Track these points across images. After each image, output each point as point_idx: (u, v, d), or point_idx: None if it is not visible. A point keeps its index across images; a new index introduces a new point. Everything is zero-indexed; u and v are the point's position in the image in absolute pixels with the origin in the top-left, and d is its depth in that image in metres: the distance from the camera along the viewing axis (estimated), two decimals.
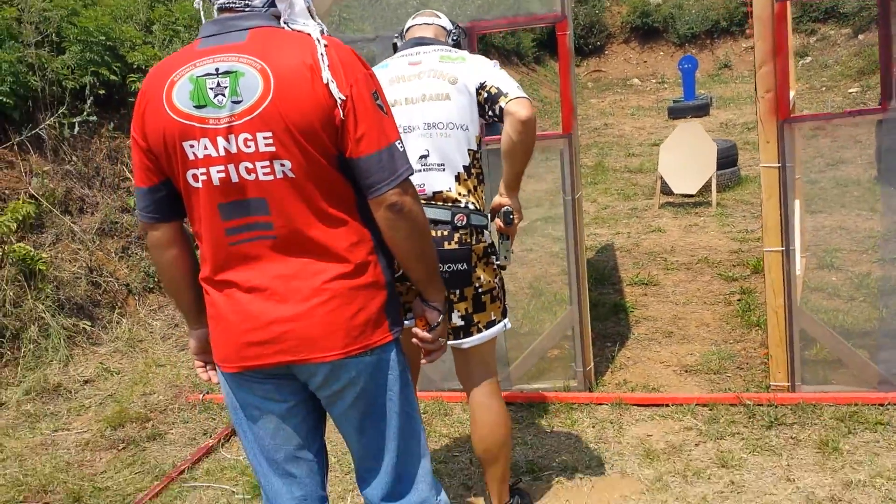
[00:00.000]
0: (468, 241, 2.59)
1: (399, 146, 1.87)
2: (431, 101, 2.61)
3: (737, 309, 4.86)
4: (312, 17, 1.93)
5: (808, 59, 16.96)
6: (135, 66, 6.63)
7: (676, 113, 13.23)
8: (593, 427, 3.62)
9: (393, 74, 2.66)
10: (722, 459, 3.21)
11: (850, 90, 13.75)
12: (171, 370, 4.77)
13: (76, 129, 6.10)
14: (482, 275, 2.66)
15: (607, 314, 5.01)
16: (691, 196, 7.80)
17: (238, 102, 1.79)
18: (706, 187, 7.65)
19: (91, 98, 6.17)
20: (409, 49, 2.74)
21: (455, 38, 2.85)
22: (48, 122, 5.87)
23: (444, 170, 2.60)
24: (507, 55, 17.38)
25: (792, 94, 4.37)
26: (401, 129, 2.01)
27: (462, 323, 2.66)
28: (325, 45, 1.83)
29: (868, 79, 13.60)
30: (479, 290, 2.66)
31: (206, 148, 1.82)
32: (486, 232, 2.67)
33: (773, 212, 3.60)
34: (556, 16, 3.73)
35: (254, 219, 1.85)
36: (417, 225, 1.91)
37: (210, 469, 3.63)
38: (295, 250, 1.87)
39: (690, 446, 3.36)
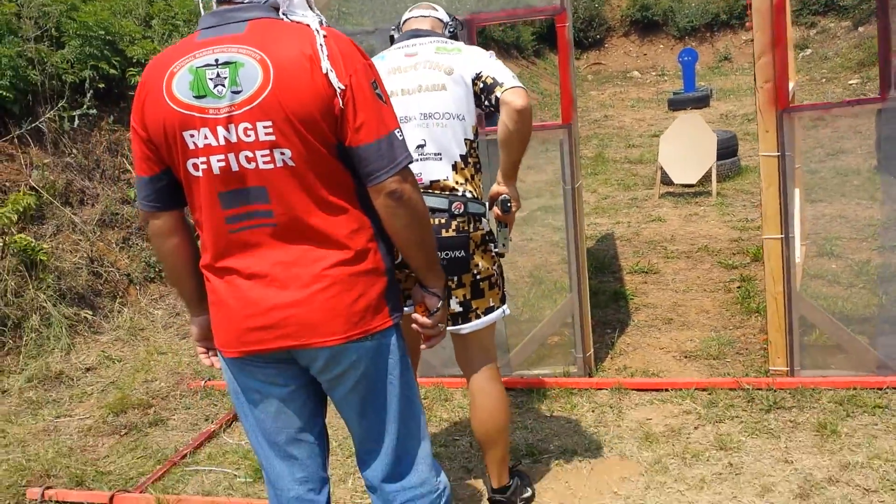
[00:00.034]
0: (466, 228, 2.61)
1: (398, 135, 1.88)
2: (427, 91, 2.63)
3: (736, 296, 4.87)
4: (311, 8, 1.94)
5: (809, 51, 16.94)
6: (134, 61, 6.66)
7: (676, 105, 13.23)
8: (593, 411, 3.63)
9: (389, 66, 2.68)
10: (720, 442, 3.23)
11: (851, 81, 13.75)
12: (172, 358, 4.79)
13: (76, 122, 6.13)
14: (480, 262, 2.68)
15: (607, 301, 5.03)
16: (691, 186, 7.81)
17: (238, 92, 1.80)
18: (706, 177, 7.66)
19: (91, 92, 6.20)
20: (406, 41, 2.76)
21: (452, 29, 2.86)
22: (48, 116, 5.89)
23: (440, 159, 2.62)
24: (506, 48, 17.37)
25: (792, 85, 4.38)
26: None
27: (460, 309, 2.68)
28: (325, 36, 1.84)
29: (868, 70, 13.59)
30: (478, 276, 2.68)
31: (206, 137, 1.83)
32: (483, 220, 2.69)
33: (773, 200, 3.62)
34: (555, 8, 3.74)
35: (254, 207, 1.86)
36: (417, 212, 1.93)
37: (212, 453, 3.66)
38: (295, 238, 1.88)
39: (689, 429, 3.38)
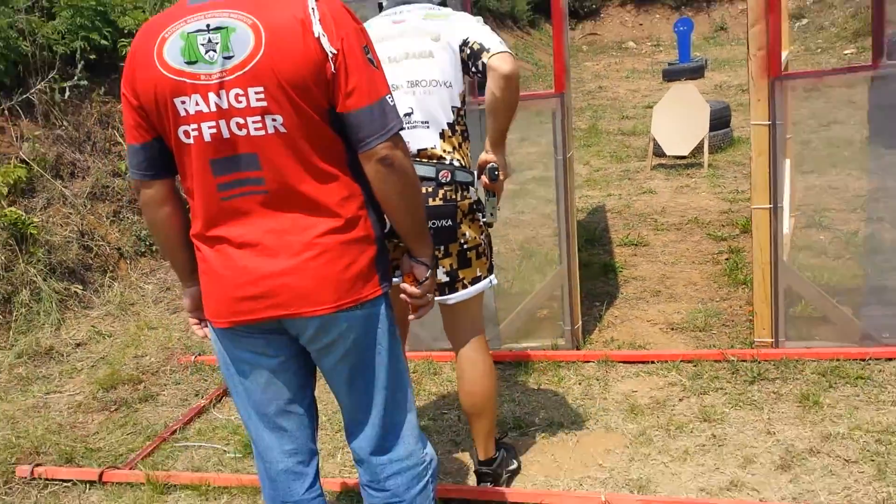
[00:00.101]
0: (453, 197, 2.60)
1: (390, 100, 1.88)
2: (414, 58, 2.61)
3: (724, 268, 4.88)
4: None
5: (805, 20, 16.84)
6: (126, 31, 6.59)
7: (671, 75, 13.15)
8: (580, 384, 3.66)
9: (376, 34, 2.64)
10: (704, 414, 3.26)
11: (846, 52, 13.69)
12: (162, 333, 4.80)
13: (67, 93, 6.09)
14: (467, 231, 2.67)
15: (597, 274, 5.04)
16: (683, 157, 7.79)
17: (229, 58, 1.79)
18: (698, 148, 7.64)
19: (82, 63, 6.16)
20: (394, 7, 2.74)
21: None
22: (39, 87, 5.85)
23: (428, 127, 2.61)
24: (501, 19, 17.25)
25: (785, 54, 4.36)
26: None
27: (447, 279, 2.68)
28: (316, 0, 1.82)
29: (864, 41, 13.52)
30: (465, 246, 2.68)
31: (197, 104, 1.82)
32: (471, 189, 2.67)
33: (762, 169, 3.61)
34: None
35: (245, 174, 1.86)
36: (408, 179, 1.92)
37: (202, 429, 3.68)
38: (286, 205, 1.88)
39: (674, 401, 3.41)
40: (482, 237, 2.74)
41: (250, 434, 2.17)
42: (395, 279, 2.26)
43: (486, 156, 2.70)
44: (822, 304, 3.73)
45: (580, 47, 18.82)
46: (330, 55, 1.78)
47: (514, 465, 3.06)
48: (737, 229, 5.59)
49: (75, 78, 6.10)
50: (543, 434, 3.30)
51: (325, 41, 1.78)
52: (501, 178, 2.71)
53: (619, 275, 5.01)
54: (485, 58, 2.50)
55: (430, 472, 2.18)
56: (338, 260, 1.90)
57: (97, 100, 6.40)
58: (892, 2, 3.73)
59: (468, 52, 2.56)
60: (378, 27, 2.67)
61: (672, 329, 4.18)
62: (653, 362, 3.75)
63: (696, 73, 13.11)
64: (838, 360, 3.52)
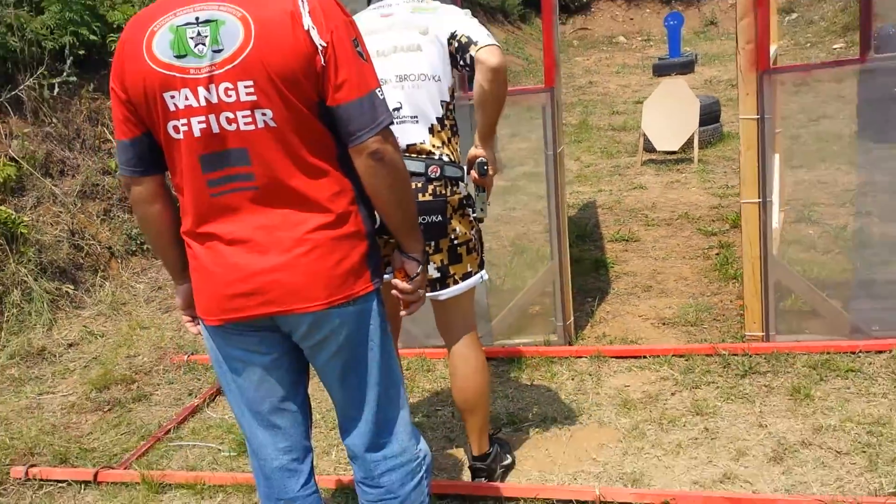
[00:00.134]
0: (443, 192, 2.61)
1: (379, 94, 1.87)
2: (402, 52, 2.61)
3: (715, 263, 4.91)
4: None
5: (795, 15, 16.89)
6: (115, 26, 6.54)
7: (661, 70, 13.17)
8: (572, 379, 3.68)
9: (364, 27, 2.63)
10: (697, 407, 3.28)
11: (835, 46, 13.73)
12: (155, 332, 4.80)
13: (56, 90, 6.05)
14: (458, 226, 2.68)
15: (588, 270, 5.06)
16: (674, 153, 7.82)
17: (219, 51, 1.79)
18: (688, 144, 7.67)
19: (70, 58, 6.11)
20: (382, 1, 2.73)
21: None
22: (27, 84, 5.81)
23: (417, 122, 2.61)
24: (491, 13, 17.24)
25: (774, 48, 4.38)
26: None
27: (438, 275, 2.69)
28: None
29: (853, 35, 13.56)
30: (455, 241, 2.68)
31: (186, 98, 1.81)
32: (461, 184, 2.68)
33: (751, 164, 3.63)
34: None
35: (235, 170, 1.85)
36: (398, 173, 1.92)
37: (196, 428, 3.68)
38: (276, 201, 1.87)
39: (666, 395, 3.43)
40: (472, 233, 2.74)
41: (244, 432, 2.17)
42: (386, 275, 2.27)
43: (476, 150, 2.70)
44: (812, 297, 3.76)
45: (571, 42, 18.83)
46: (319, 48, 1.78)
47: (509, 461, 3.07)
48: (727, 224, 5.62)
49: (64, 74, 6.06)
50: (537, 429, 3.31)
51: (314, 34, 1.78)
52: (491, 173, 2.71)
53: (610, 270, 5.03)
54: (472, 51, 2.50)
55: (424, 468, 2.18)
56: (329, 256, 1.89)
57: (86, 96, 6.36)
58: None
59: (456, 45, 2.56)
60: (366, 20, 2.67)
61: (663, 324, 4.20)
62: (645, 357, 3.77)
63: (687, 67, 13.14)
64: (829, 353, 3.54)
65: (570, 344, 4.03)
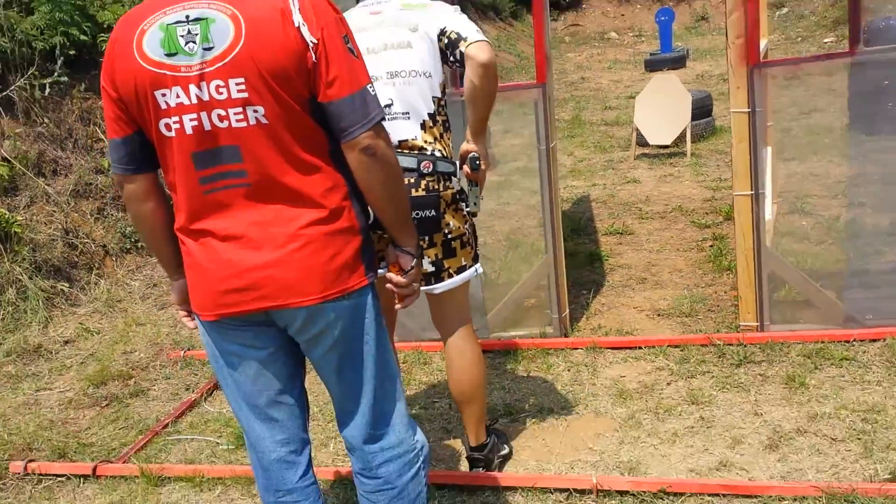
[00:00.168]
0: (435, 187, 2.63)
1: (371, 90, 1.88)
2: (393, 49, 2.62)
3: (709, 254, 4.93)
4: None
5: (785, 9, 16.94)
6: (105, 26, 6.55)
7: (653, 65, 13.18)
8: (568, 370, 3.69)
9: (354, 24, 2.63)
10: (692, 397, 3.30)
11: (826, 40, 13.78)
12: (151, 329, 4.80)
13: (47, 90, 6.05)
14: (451, 221, 2.69)
15: (583, 263, 5.08)
16: (666, 147, 7.84)
17: (209, 49, 1.79)
18: (681, 138, 7.70)
19: (61, 59, 6.11)
20: None
21: None
22: (18, 84, 5.81)
23: (408, 118, 2.62)
24: (483, 10, 17.24)
25: (764, 42, 4.40)
26: None
27: (433, 269, 2.71)
28: None
29: (843, 29, 13.59)
30: (449, 236, 2.70)
31: (178, 96, 1.82)
32: (453, 179, 2.69)
33: (743, 156, 3.66)
34: None
35: (227, 167, 1.86)
36: (391, 168, 1.93)
37: (194, 422, 3.69)
38: (269, 197, 1.88)
39: (662, 385, 3.45)
40: (466, 227, 2.76)
41: (242, 425, 2.18)
42: (380, 270, 2.28)
43: (468, 145, 2.72)
44: (806, 288, 3.78)
45: (563, 38, 18.85)
46: (310, 45, 1.79)
47: (506, 451, 3.09)
48: (720, 216, 5.64)
49: (55, 74, 6.06)
50: (534, 420, 3.33)
51: (305, 30, 1.79)
52: (483, 167, 2.73)
53: (605, 263, 5.05)
54: (462, 47, 2.51)
55: (421, 459, 2.19)
56: (322, 251, 1.90)
57: (78, 96, 6.36)
58: None
59: (446, 41, 2.57)
60: (356, 18, 2.67)
61: (658, 315, 4.22)
62: (640, 348, 3.79)
63: (678, 63, 13.15)
64: (823, 342, 3.57)
65: (565, 336, 4.04)
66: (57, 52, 6.10)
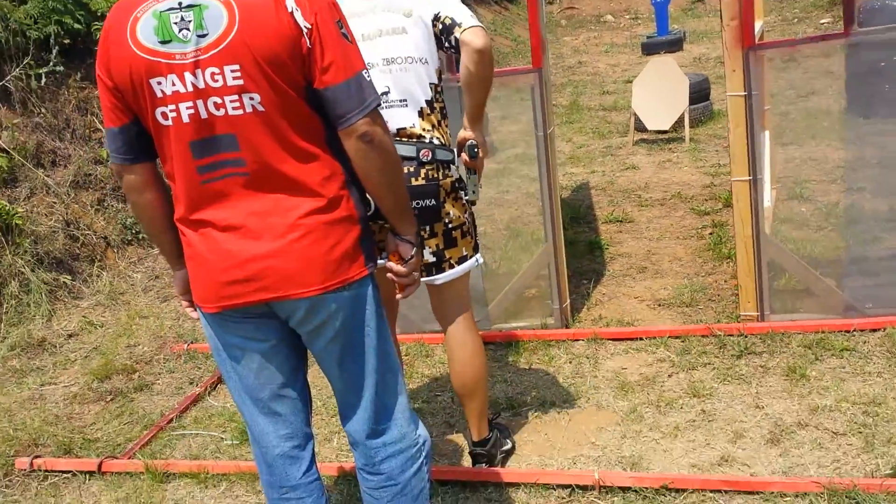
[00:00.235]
0: (435, 176, 2.62)
1: (366, 75, 1.88)
2: (388, 35, 2.61)
3: (709, 242, 4.95)
4: None
5: None
6: (98, 14, 6.48)
7: (650, 49, 13.14)
8: (570, 363, 3.71)
9: (347, 9, 2.58)
10: (694, 389, 3.32)
11: (822, 21, 13.73)
12: (154, 321, 4.81)
13: (43, 80, 6.02)
14: (451, 210, 2.69)
15: (583, 252, 5.09)
16: (665, 132, 7.83)
17: (203, 36, 1.79)
18: (679, 122, 7.68)
19: (56, 48, 6.07)
20: None
21: None
22: (14, 74, 5.78)
23: (406, 106, 2.61)
24: None
25: (760, 24, 4.38)
26: None
27: (434, 259, 2.71)
28: None
29: (839, 9, 13.51)
30: (450, 225, 2.70)
31: (173, 84, 1.81)
32: (452, 167, 2.69)
33: (740, 141, 3.64)
34: None
35: (224, 155, 1.86)
36: (388, 155, 1.93)
37: (198, 417, 3.71)
38: (267, 186, 1.88)
39: (663, 377, 3.47)
40: (466, 216, 2.76)
41: (245, 419, 2.19)
42: (380, 261, 2.28)
43: (465, 133, 2.71)
44: (806, 276, 3.78)
45: (559, 22, 18.74)
46: (304, 30, 1.78)
47: (509, 445, 3.11)
48: (719, 203, 5.65)
49: (51, 64, 6.03)
50: (536, 413, 3.35)
51: (298, 15, 1.78)
52: (481, 155, 2.73)
53: (605, 252, 5.06)
54: (457, 33, 2.50)
55: (423, 454, 2.21)
56: (323, 241, 1.91)
57: (74, 86, 6.33)
58: None
59: (440, 27, 2.56)
60: (348, 3, 2.63)
61: (659, 305, 4.24)
62: (641, 339, 3.80)
63: (675, 45, 13.10)
64: (823, 332, 3.58)
65: (566, 327, 4.06)
66: (51, 41, 6.06)
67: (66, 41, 6.28)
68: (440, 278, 2.75)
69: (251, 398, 2.12)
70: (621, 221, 5.59)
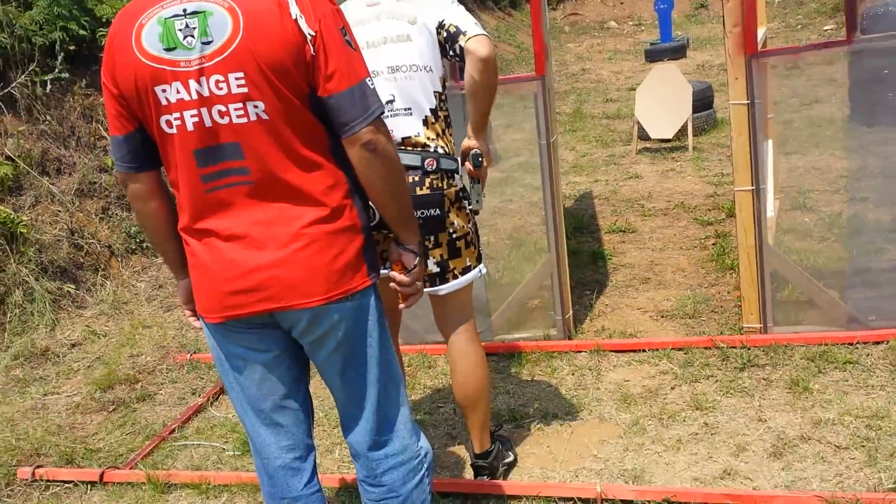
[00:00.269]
0: (440, 185, 2.62)
1: (370, 83, 1.88)
2: (392, 43, 2.60)
3: (712, 253, 4.94)
4: None
5: None
6: (104, 20, 6.51)
7: (653, 55, 13.05)
8: (573, 374, 3.71)
9: (351, 17, 2.58)
10: (696, 402, 3.31)
11: (826, 27, 13.73)
12: (157, 331, 4.82)
13: (48, 86, 6.03)
14: (456, 220, 2.69)
15: (586, 262, 5.09)
16: (668, 140, 7.83)
17: (208, 43, 1.79)
18: (682, 131, 7.68)
19: (62, 54, 6.09)
20: None
21: None
22: (20, 81, 5.80)
23: (411, 114, 2.61)
24: (481, 0, 17.16)
25: (763, 31, 4.37)
26: None
27: (438, 269, 2.70)
28: None
29: (843, 15, 13.55)
30: (454, 235, 2.69)
31: (178, 92, 1.81)
32: (456, 176, 2.69)
33: (743, 150, 3.62)
34: None
35: (229, 164, 1.86)
36: (392, 164, 1.93)
37: (200, 427, 3.71)
38: (271, 195, 1.88)
39: (666, 390, 3.46)
40: (469, 226, 2.76)
41: (247, 430, 2.19)
42: (383, 271, 2.28)
43: (469, 142, 2.71)
44: (809, 287, 3.77)
45: (562, 28, 18.76)
46: (308, 37, 1.78)
47: (511, 458, 3.10)
48: (723, 213, 5.64)
49: (56, 70, 6.05)
50: (538, 425, 3.35)
51: (302, 23, 1.78)
52: (485, 164, 2.73)
53: (608, 262, 5.06)
54: (462, 41, 2.50)
55: (425, 466, 2.20)
56: (326, 251, 1.91)
57: (79, 93, 6.35)
58: None
59: (445, 34, 2.56)
60: (352, 10, 2.65)
61: (662, 316, 4.23)
62: (644, 351, 3.79)
63: (678, 52, 13.04)
64: (826, 344, 3.57)
65: (569, 338, 4.06)
66: (57, 47, 6.08)
67: (72, 47, 6.30)
68: (444, 289, 2.74)
69: (253, 409, 2.12)
70: (624, 231, 5.59)
